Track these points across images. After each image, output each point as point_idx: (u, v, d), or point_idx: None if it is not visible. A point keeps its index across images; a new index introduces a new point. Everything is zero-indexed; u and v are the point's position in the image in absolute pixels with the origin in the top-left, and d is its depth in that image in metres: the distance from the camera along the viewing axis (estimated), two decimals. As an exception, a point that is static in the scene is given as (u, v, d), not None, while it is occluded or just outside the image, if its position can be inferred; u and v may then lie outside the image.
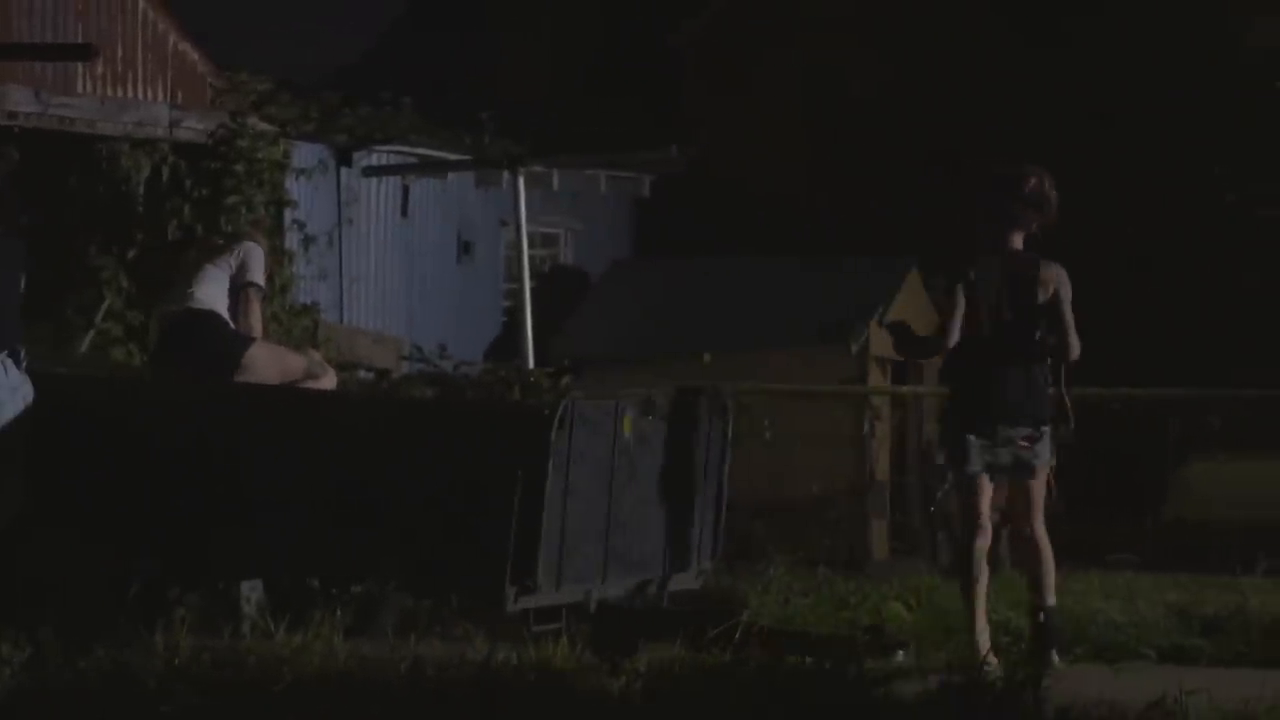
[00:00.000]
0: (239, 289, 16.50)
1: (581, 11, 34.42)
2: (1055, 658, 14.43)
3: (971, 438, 14.73)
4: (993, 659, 14.55)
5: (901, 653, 14.51)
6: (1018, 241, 14.78)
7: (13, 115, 16.39)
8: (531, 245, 23.22)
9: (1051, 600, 14.93)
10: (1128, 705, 12.76)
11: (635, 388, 15.79)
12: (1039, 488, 15.13)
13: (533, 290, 22.04)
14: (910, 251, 21.80)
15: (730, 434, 15.87)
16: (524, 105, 29.90)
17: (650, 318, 22.14)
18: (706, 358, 19.32)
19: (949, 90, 26.39)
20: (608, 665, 13.36)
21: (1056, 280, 14.86)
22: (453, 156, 25.08)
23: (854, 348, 20.50)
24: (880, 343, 19.20)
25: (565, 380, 16.51)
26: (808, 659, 13.64)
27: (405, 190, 25.22)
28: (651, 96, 32.51)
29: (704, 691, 12.81)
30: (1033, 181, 14.89)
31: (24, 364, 14.94)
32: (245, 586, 14.70)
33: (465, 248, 26.72)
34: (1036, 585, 14.97)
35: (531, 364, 20.68)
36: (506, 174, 22.86)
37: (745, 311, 21.08)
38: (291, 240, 19.80)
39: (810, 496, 17.32)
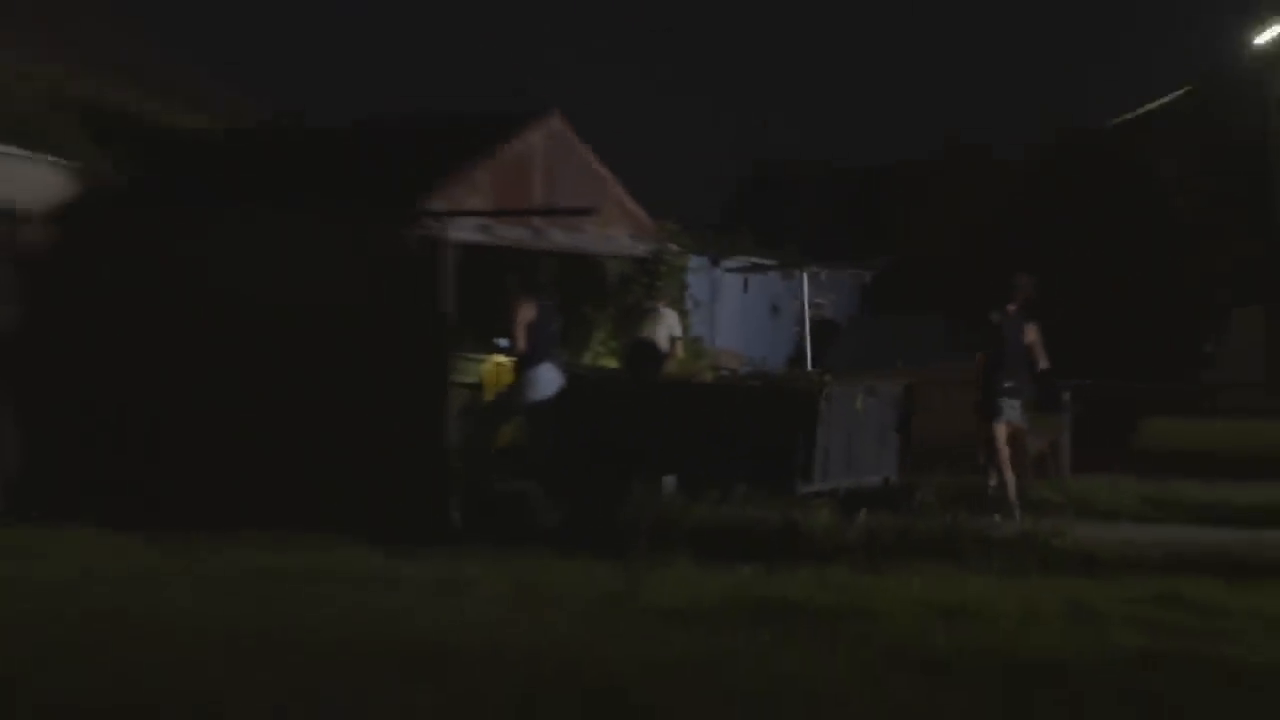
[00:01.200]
0: (668, 335, 17.67)
1: (836, 186, 34.42)
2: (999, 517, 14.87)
3: (1000, 402, 15.79)
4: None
5: (998, 516, 14.99)
6: (1013, 307, 15.91)
7: (552, 243, 16.74)
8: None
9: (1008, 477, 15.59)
10: (1109, 542, 13.45)
11: (862, 380, 16.38)
12: (1022, 434, 16.00)
13: (810, 332, 21.66)
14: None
15: (911, 406, 16.25)
16: (807, 232, 29.40)
17: (872, 346, 21.27)
18: (899, 365, 18.88)
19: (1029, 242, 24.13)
20: (847, 522, 13.96)
21: (1033, 330, 16.01)
22: (769, 262, 24.42)
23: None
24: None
25: (827, 377, 16.42)
26: (950, 519, 13.82)
27: (745, 280, 24.92)
28: (872, 228, 31.56)
29: (898, 534, 13.51)
30: (1021, 280, 15.99)
31: (561, 366, 16.11)
32: (666, 480, 14.94)
33: (774, 310, 26.21)
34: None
35: (809, 368, 20.67)
36: (798, 271, 22.37)
37: (921, 343, 20.14)
38: (688, 304, 19.68)
39: (957, 438, 16.60)
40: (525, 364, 15.88)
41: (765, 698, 8.33)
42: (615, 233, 17.89)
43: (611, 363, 18.44)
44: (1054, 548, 13.19)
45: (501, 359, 17.08)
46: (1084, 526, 14.13)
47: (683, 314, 18.89)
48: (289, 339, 15.47)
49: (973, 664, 9.08)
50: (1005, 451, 15.82)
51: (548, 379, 15.94)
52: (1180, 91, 28.78)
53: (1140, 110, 28.95)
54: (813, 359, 21.34)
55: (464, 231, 15.40)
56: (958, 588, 11.45)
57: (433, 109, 19.37)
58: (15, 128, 16.26)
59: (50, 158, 16.09)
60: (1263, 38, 27.00)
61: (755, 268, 24.67)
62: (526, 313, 15.72)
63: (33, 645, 9.41)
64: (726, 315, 24.80)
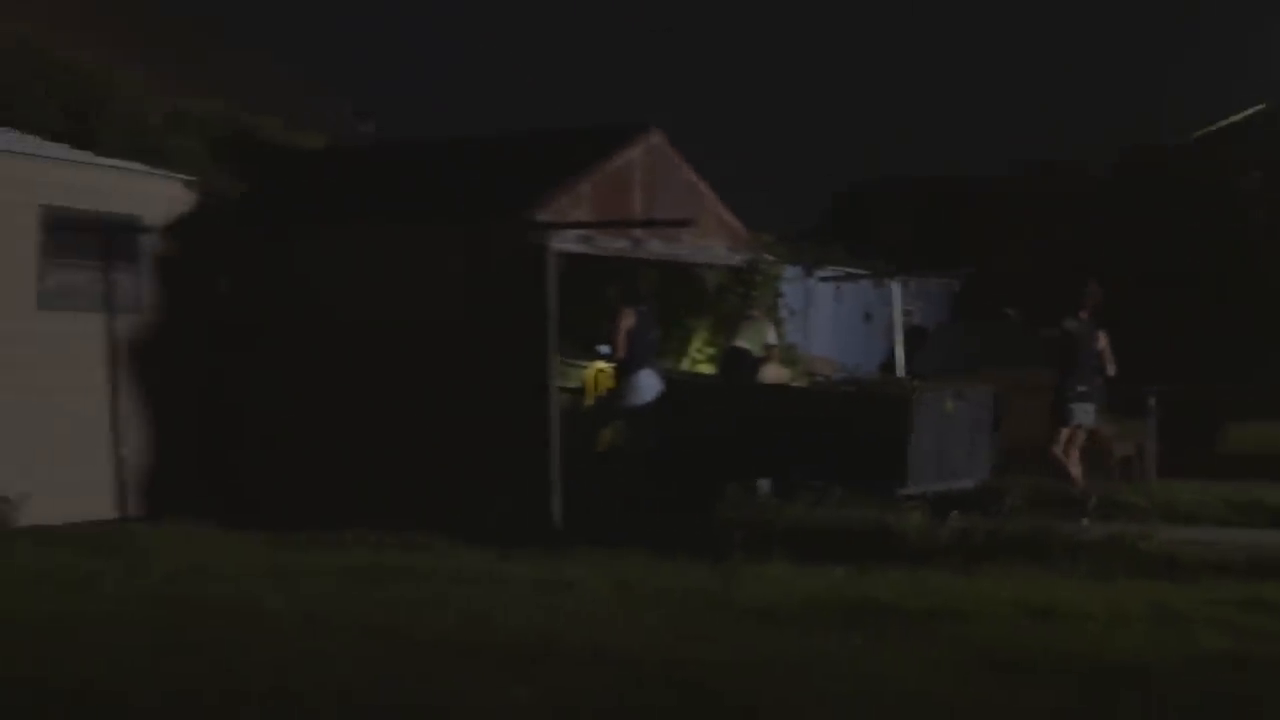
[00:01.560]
0: (763, 343, 17.73)
1: (923, 197, 33.59)
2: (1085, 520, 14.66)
3: (1073, 406, 15.78)
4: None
5: (1086, 520, 14.75)
6: (1085, 314, 15.90)
7: (652, 253, 16.79)
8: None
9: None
10: (1194, 546, 13.26)
11: (951, 385, 16.03)
12: (1105, 437, 16.26)
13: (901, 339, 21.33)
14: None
15: (1000, 410, 16.00)
16: (895, 244, 28.57)
17: (959, 350, 20.83)
18: (985, 371, 18.14)
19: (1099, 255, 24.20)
20: (939, 524, 13.85)
21: (1104, 337, 15.96)
22: (861, 272, 24.32)
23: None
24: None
25: (917, 382, 16.46)
26: (1038, 522, 13.75)
27: (837, 288, 24.69)
28: (958, 238, 30.08)
29: (988, 536, 13.41)
30: (1092, 287, 15.99)
31: (659, 372, 16.18)
32: (761, 482, 15.02)
33: (867, 317, 25.85)
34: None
35: (900, 374, 20.29)
36: (889, 280, 22.25)
37: (1005, 348, 19.56)
38: (783, 313, 19.34)
39: (1038, 442, 16.09)
40: (625, 370, 15.93)
41: (857, 697, 8.26)
42: (712, 243, 17.85)
43: (708, 369, 18.38)
44: (1140, 551, 13.04)
45: (602, 365, 17.07)
46: (1169, 530, 13.99)
47: (778, 322, 18.79)
48: (398, 345, 15.58)
49: (1061, 665, 8.97)
50: (1074, 453, 15.80)
51: (647, 384, 15.96)
52: (1259, 106, 28.58)
53: (1219, 124, 28.77)
54: (905, 365, 21.19)
55: (568, 242, 15.42)
56: (1046, 590, 11.32)
57: (538, 125, 19.84)
58: (139, 145, 16.63)
59: (172, 173, 16.29)
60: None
61: (848, 277, 24.63)
62: (627, 320, 15.81)
63: (152, 638, 9.44)
64: (820, 323, 24.68)
